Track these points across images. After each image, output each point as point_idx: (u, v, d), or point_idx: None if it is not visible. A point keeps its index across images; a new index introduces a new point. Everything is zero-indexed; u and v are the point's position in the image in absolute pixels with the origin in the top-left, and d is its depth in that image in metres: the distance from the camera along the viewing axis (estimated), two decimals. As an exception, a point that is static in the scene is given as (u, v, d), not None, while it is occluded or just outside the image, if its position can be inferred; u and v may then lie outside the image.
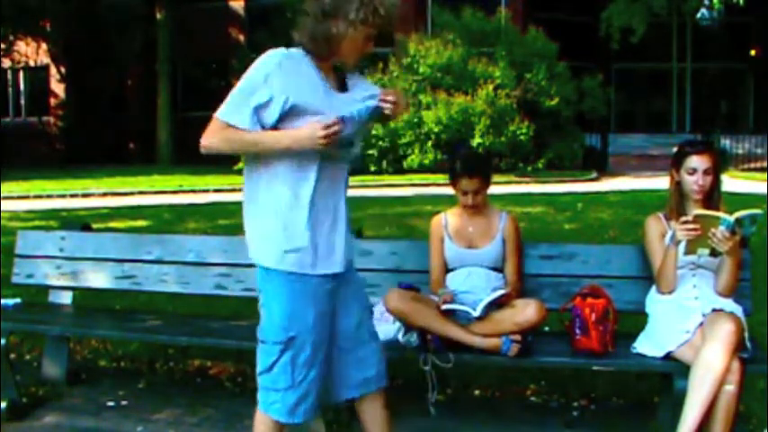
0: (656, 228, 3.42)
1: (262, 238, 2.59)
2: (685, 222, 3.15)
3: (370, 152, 17.52)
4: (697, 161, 3.31)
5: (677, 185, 3.40)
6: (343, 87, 2.66)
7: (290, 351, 2.57)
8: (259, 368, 2.64)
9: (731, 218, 3.08)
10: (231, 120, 2.55)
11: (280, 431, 2.68)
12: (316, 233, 2.58)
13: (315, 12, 2.52)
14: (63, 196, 14.88)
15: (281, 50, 2.56)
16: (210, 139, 2.63)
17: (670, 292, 3.30)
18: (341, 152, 2.60)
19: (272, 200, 2.56)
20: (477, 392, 4.01)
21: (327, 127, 2.47)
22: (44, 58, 24.88)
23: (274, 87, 2.49)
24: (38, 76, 25.62)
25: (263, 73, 2.51)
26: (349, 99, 2.63)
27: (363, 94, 2.67)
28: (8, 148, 22.36)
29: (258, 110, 2.52)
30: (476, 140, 16.77)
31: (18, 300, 4.29)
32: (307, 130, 2.49)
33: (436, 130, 17.19)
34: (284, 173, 2.55)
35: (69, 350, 4.29)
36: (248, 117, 2.52)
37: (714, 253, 3.19)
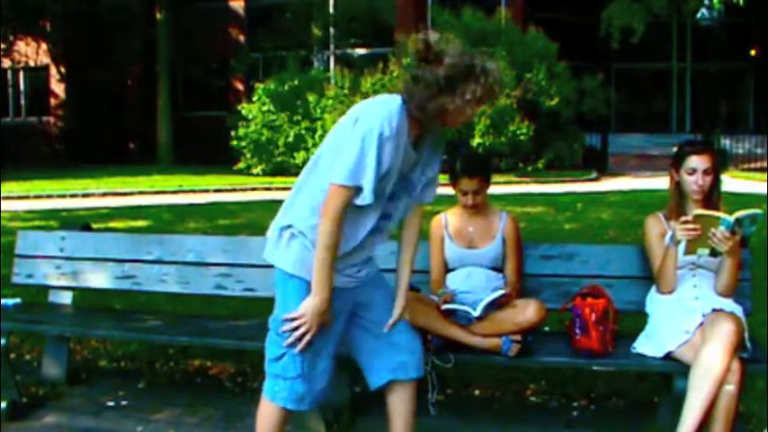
0: (655, 228, 3.42)
1: (289, 245, 2.66)
2: (685, 222, 3.15)
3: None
4: (697, 161, 3.31)
5: (677, 185, 3.40)
6: (418, 143, 2.67)
7: (299, 344, 2.63)
8: (268, 356, 2.71)
9: (731, 218, 3.08)
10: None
11: (284, 420, 2.74)
12: (345, 264, 2.67)
13: (429, 82, 2.50)
14: (63, 196, 14.88)
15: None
16: None
17: (670, 292, 3.30)
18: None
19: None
20: (477, 392, 4.01)
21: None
22: (44, 58, 24.87)
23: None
24: (38, 76, 25.60)
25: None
26: (417, 158, 2.68)
27: (430, 154, 2.74)
28: (8, 148, 22.37)
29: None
30: (476, 140, 16.77)
31: (18, 300, 4.29)
32: (318, 317, 2.59)
33: (436, 130, 17.18)
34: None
35: (69, 350, 4.29)
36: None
37: (714, 253, 3.18)
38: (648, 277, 3.47)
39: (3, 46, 23.26)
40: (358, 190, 2.53)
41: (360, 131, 2.50)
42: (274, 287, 2.76)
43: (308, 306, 2.60)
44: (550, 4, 22.29)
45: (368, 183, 2.51)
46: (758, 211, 3.13)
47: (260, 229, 10.37)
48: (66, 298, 4.29)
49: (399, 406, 2.85)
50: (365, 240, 2.68)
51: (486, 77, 2.51)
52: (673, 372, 3.10)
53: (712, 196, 3.35)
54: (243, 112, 18.89)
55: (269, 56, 22.22)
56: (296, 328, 2.61)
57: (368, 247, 2.74)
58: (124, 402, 3.96)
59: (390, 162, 2.53)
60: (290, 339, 2.62)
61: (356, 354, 2.86)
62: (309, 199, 2.63)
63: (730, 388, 2.91)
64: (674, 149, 3.48)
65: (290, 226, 2.67)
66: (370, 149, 2.48)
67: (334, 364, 2.77)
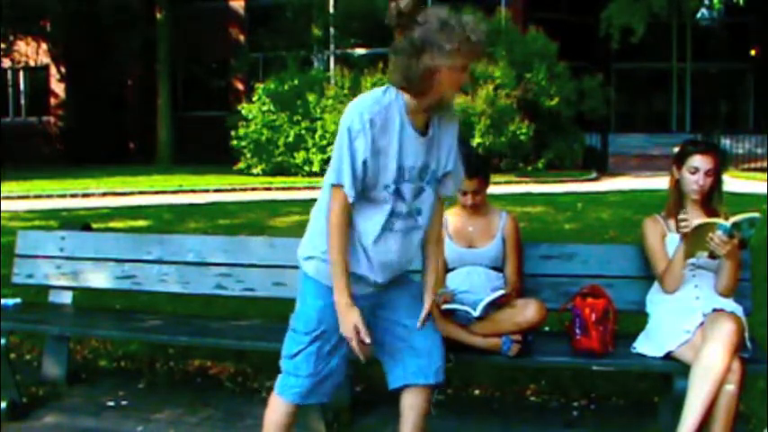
0: (654, 229, 3.42)
1: (314, 249, 2.68)
2: (683, 220, 3.16)
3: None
4: (700, 161, 3.31)
5: (676, 183, 3.39)
6: (426, 129, 2.65)
7: (318, 342, 2.67)
8: (284, 352, 2.76)
9: (729, 223, 3.08)
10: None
11: (292, 415, 2.78)
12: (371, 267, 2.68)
13: (405, 48, 2.49)
14: (63, 196, 14.87)
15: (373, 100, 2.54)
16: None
17: (674, 292, 3.29)
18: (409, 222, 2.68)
19: None
20: (477, 392, 4.01)
21: (357, 340, 2.59)
22: (44, 58, 24.87)
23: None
24: (38, 76, 25.60)
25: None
26: (429, 142, 2.65)
27: (445, 139, 2.71)
28: (8, 148, 22.37)
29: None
30: (476, 140, 16.77)
31: (18, 300, 4.28)
32: (346, 321, 2.59)
33: (436, 129, 17.18)
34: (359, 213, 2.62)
35: (69, 350, 4.29)
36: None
37: (713, 255, 3.18)
38: (648, 277, 3.47)
39: (3, 46, 23.25)
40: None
41: (340, 130, 2.55)
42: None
43: (345, 318, 2.61)
44: (550, 4, 22.31)
45: (346, 179, 2.52)
46: (756, 214, 3.13)
47: (260, 230, 10.40)
48: (66, 298, 4.29)
49: (410, 412, 2.84)
50: (391, 241, 2.65)
51: (464, 28, 2.46)
52: (673, 372, 3.10)
53: (711, 198, 3.35)
54: (243, 112, 18.89)
55: (269, 56, 22.22)
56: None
57: (398, 251, 2.68)
58: (124, 402, 3.96)
59: (367, 155, 2.51)
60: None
61: (379, 353, 2.84)
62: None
63: (730, 388, 2.91)
64: (675, 149, 3.47)
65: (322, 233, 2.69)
66: (343, 145, 2.52)
67: (347, 362, 2.79)
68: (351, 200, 2.55)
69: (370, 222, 2.62)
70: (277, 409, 2.78)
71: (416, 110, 2.59)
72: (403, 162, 2.59)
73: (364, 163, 2.52)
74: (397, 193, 2.62)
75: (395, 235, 2.66)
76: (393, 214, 2.62)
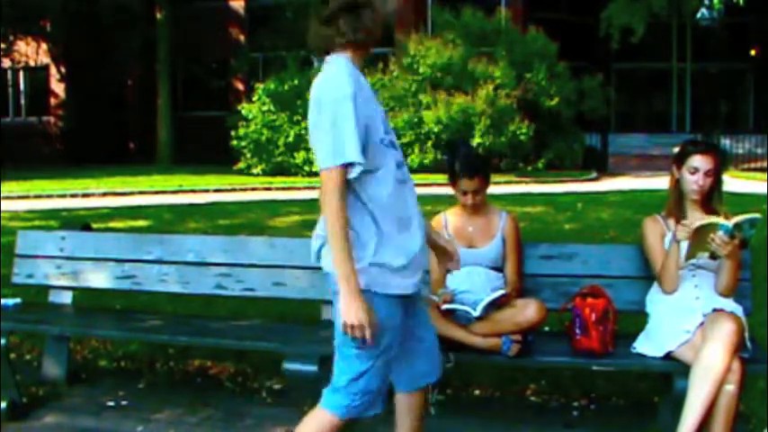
0: (653, 229, 3.42)
1: (361, 260, 2.53)
2: (684, 226, 3.16)
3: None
4: (700, 161, 3.31)
5: (676, 183, 3.39)
6: None
7: (386, 355, 2.55)
8: (347, 375, 2.54)
9: (730, 223, 3.08)
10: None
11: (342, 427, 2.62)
12: (418, 264, 2.63)
13: (350, 3, 2.49)
14: (63, 196, 14.87)
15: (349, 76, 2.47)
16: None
17: (672, 292, 3.30)
18: None
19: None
20: (477, 392, 4.01)
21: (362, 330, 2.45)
22: (44, 58, 24.88)
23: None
24: (38, 76, 25.61)
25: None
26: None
27: None
28: (8, 148, 22.37)
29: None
30: (476, 140, 16.77)
31: (18, 300, 4.28)
32: (353, 309, 2.42)
33: (436, 130, 17.19)
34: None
35: (69, 350, 4.29)
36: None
37: (713, 256, 3.18)
38: (648, 277, 3.47)
39: (3, 46, 23.25)
40: (349, 166, 2.42)
41: (329, 106, 2.43)
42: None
43: (354, 306, 2.44)
44: (550, 4, 22.31)
45: (353, 151, 2.39)
46: (757, 215, 3.13)
47: (260, 230, 10.40)
48: (66, 298, 4.29)
49: (409, 414, 2.82)
50: (407, 194, 2.58)
51: None
52: (673, 372, 3.10)
53: (711, 198, 3.35)
54: (243, 112, 18.89)
55: (269, 56, 22.22)
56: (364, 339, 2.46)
57: (414, 205, 2.62)
58: (124, 402, 3.96)
59: (369, 113, 2.46)
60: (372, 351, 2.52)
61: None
62: None
63: (730, 388, 2.91)
64: (675, 149, 3.47)
65: (319, 235, 2.60)
66: (339, 118, 2.41)
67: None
68: (359, 169, 2.41)
69: (383, 184, 2.51)
70: (327, 426, 2.58)
71: (359, 63, 2.57)
72: (381, 113, 2.57)
73: (366, 126, 2.44)
74: (392, 144, 2.57)
75: (408, 187, 2.60)
76: (399, 165, 2.56)
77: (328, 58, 2.55)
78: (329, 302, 3.82)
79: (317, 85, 2.53)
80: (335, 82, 2.48)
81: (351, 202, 2.49)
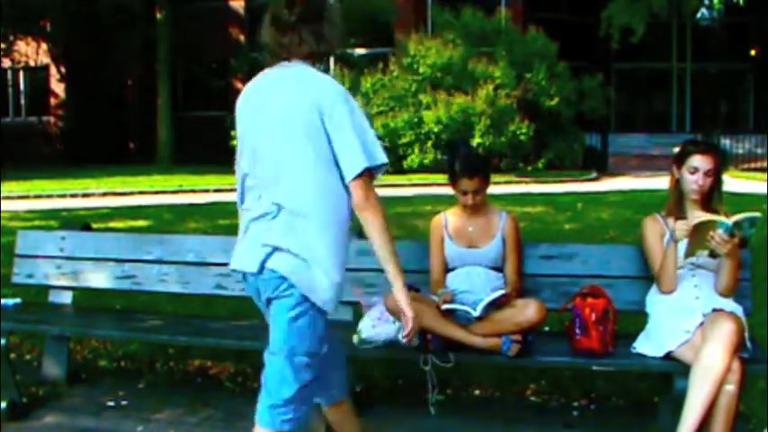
0: (653, 229, 3.42)
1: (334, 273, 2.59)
2: (684, 225, 3.16)
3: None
4: (699, 161, 3.31)
5: (677, 183, 3.40)
6: None
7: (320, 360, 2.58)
8: (295, 387, 2.50)
9: (730, 221, 3.08)
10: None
11: None
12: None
13: (316, 14, 2.55)
14: (63, 196, 14.87)
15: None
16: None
17: (671, 292, 3.30)
18: None
19: None
20: (477, 392, 4.01)
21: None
22: (44, 58, 24.86)
23: None
24: (38, 76, 25.59)
25: None
26: None
27: None
28: (8, 148, 22.35)
29: None
30: (476, 140, 16.77)
31: (18, 300, 4.28)
32: (414, 314, 2.63)
33: (436, 130, 17.19)
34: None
35: (69, 350, 4.29)
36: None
37: (713, 254, 3.18)
38: (648, 277, 3.47)
39: (3, 46, 23.25)
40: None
41: (347, 113, 2.48)
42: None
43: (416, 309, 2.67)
44: (550, 4, 22.31)
45: (382, 154, 2.51)
46: (757, 214, 3.13)
47: (260, 229, 10.24)
48: (66, 298, 4.29)
49: (344, 420, 2.90)
50: None
51: None
52: (673, 372, 3.10)
53: (711, 198, 3.35)
54: (243, 112, 18.86)
55: (269, 56, 22.19)
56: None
57: None
58: (124, 402, 3.95)
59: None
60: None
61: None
62: None
63: (730, 388, 2.91)
64: (675, 149, 3.48)
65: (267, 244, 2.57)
66: (362, 123, 2.51)
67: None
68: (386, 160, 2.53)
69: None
70: None
71: None
72: None
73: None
74: None
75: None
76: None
77: (291, 65, 2.57)
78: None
79: (312, 89, 2.50)
80: (338, 86, 2.51)
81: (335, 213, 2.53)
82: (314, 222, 2.47)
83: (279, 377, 2.50)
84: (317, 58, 2.59)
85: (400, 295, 2.59)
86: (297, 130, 2.47)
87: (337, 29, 2.61)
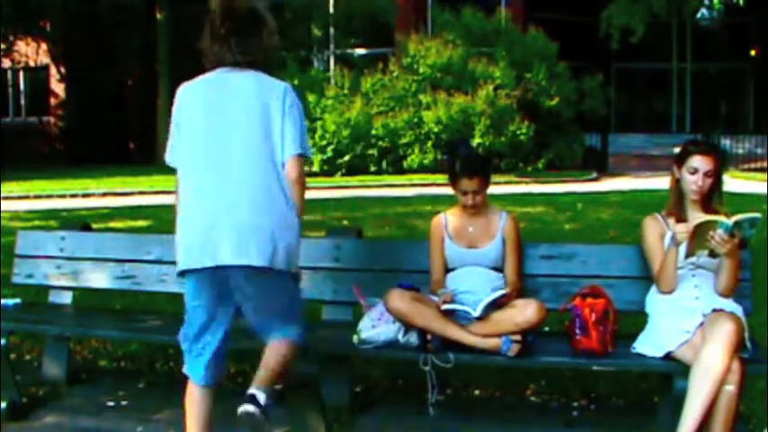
0: (653, 229, 3.42)
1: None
2: (682, 230, 3.16)
3: (370, 152, 17.54)
4: (699, 162, 3.31)
5: (677, 183, 3.40)
6: None
7: None
8: (299, 312, 3.03)
9: (730, 221, 3.08)
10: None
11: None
12: None
13: (258, 24, 3.01)
14: (63, 196, 14.87)
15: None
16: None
17: (670, 292, 3.30)
18: None
19: None
20: (477, 392, 4.01)
21: None
22: (44, 58, 24.88)
23: None
24: (38, 76, 25.61)
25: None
26: None
27: None
28: (8, 148, 22.35)
29: None
30: (476, 140, 16.77)
31: (18, 300, 4.29)
32: None
33: (436, 130, 17.19)
34: None
35: (69, 350, 4.29)
36: None
37: (713, 254, 3.18)
38: (648, 277, 3.46)
39: (3, 46, 23.26)
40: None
41: (296, 108, 2.91)
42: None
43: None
44: (550, 4, 22.29)
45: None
46: (757, 214, 3.13)
47: (260, 229, 10.24)
48: (66, 298, 4.29)
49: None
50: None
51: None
52: (673, 372, 3.10)
53: (711, 198, 3.35)
54: (243, 112, 18.86)
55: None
56: None
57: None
58: (124, 402, 3.96)
59: None
60: None
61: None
62: None
63: (730, 388, 2.91)
64: (675, 149, 3.48)
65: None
66: (302, 120, 2.96)
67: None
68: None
69: None
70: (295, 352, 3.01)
71: None
72: None
73: None
74: None
75: None
76: None
77: (236, 71, 2.93)
78: (329, 303, 3.85)
79: (269, 81, 2.93)
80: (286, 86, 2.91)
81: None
82: None
83: (291, 312, 3.01)
84: (250, 68, 2.94)
85: None
86: (275, 115, 2.92)
87: (269, 44, 3.01)
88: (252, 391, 2.73)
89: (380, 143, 17.41)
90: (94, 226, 4.74)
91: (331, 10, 22.20)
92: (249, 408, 2.68)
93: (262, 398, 2.72)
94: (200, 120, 2.91)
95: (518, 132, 17.40)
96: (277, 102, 2.86)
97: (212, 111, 2.90)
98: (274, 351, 2.92)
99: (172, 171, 3.04)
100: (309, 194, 3.30)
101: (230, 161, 2.83)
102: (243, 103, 2.87)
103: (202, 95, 2.98)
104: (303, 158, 2.90)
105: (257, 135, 2.83)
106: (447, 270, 3.57)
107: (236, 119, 2.86)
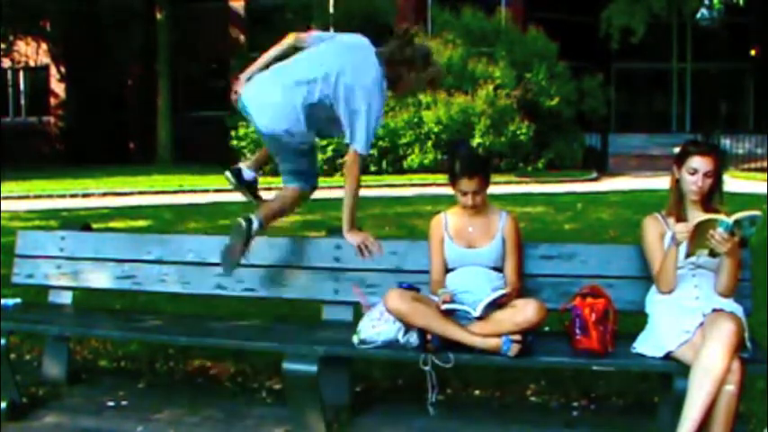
0: (653, 228, 3.42)
1: None
2: (681, 230, 3.16)
3: (371, 152, 17.53)
4: (699, 162, 3.31)
5: (677, 183, 3.40)
6: None
7: None
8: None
9: (730, 220, 3.08)
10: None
11: None
12: None
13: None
14: (63, 196, 14.87)
15: None
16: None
17: (669, 292, 3.30)
18: None
19: None
20: (477, 392, 4.01)
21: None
22: (44, 58, 24.87)
23: None
24: (38, 76, 25.60)
25: None
26: None
27: None
28: (8, 148, 22.35)
29: None
30: (476, 140, 16.78)
31: (18, 300, 4.28)
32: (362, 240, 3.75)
33: (436, 130, 17.19)
34: None
35: (69, 350, 4.29)
36: None
37: (713, 253, 3.18)
38: (648, 277, 3.46)
39: (3, 46, 23.25)
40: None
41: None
42: None
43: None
44: (550, 4, 22.30)
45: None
46: (757, 213, 3.13)
47: (260, 229, 10.18)
48: (66, 298, 4.29)
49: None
50: None
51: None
52: (673, 372, 3.10)
53: (711, 198, 3.35)
54: (243, 112, 18.87)
55: (269, 56, 22.18)
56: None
57: None
58: (124, 402, 3.95)
59: None
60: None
61: None
62: None
63: (730, 388, 2.91)
64: (675, 149, 3.48)
65: None
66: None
67: None
68: None
69: None
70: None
71: None
72: None
73: None
74: None
75: None
76: None
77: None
78: (329, 302, 3.85)
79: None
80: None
81: None
82: None
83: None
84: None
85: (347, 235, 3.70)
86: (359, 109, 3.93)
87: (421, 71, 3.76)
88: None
89: (380, 143, 17.41)
90: (94, 226, 4.74)
91: (331, 10, 22.21)
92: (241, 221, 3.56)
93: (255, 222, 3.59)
94: None
95: (518, 132, 17.41)
96: None
97: None
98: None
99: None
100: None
101: None
102: None
103: None
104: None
105: None
106: (447, 270, 3.57)
107: None
